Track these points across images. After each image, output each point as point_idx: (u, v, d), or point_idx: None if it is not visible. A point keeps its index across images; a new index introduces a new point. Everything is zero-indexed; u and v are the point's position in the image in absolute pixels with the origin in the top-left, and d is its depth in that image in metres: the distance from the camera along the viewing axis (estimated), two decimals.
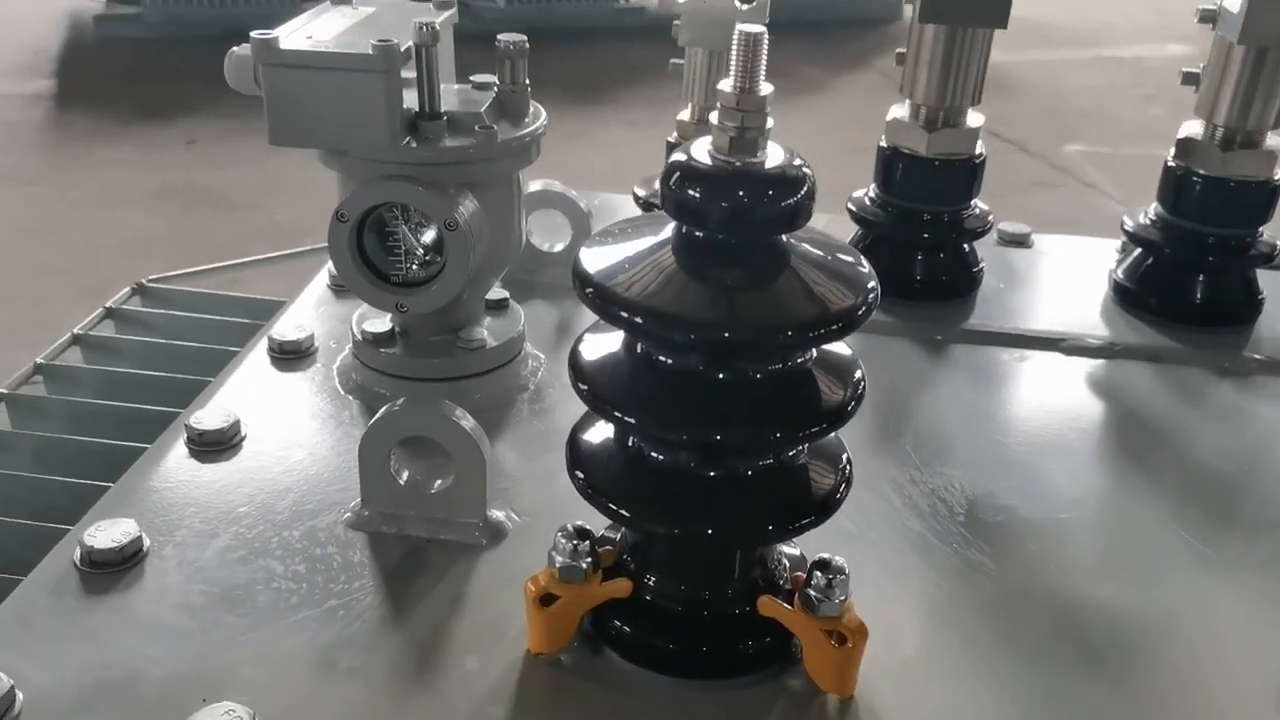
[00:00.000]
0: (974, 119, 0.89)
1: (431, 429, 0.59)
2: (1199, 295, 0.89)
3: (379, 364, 0.73)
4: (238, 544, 0.60)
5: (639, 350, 0.49)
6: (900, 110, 0.90)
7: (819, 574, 0.50)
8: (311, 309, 0.85)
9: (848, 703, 0.52)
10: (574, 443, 0.52)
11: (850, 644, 0.50)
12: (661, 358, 0.48)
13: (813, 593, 0.50)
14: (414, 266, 0.69)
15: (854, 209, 0.93)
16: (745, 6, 0.91)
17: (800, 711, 0.51)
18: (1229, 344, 0.86)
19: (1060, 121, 3.33)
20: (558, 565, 0.51)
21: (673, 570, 0.52)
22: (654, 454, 0.50)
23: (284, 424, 0.71)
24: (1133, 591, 0.60)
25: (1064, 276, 0.98)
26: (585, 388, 0.49)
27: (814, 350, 0.50)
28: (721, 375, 0.47)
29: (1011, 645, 0.56)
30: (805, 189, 0.46)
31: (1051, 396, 0.80)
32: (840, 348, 0.52)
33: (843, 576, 0.50)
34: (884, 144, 0.90)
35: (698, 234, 0.47)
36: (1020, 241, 1.05)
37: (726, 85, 0.46)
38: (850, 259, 0.49)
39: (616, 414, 0.48)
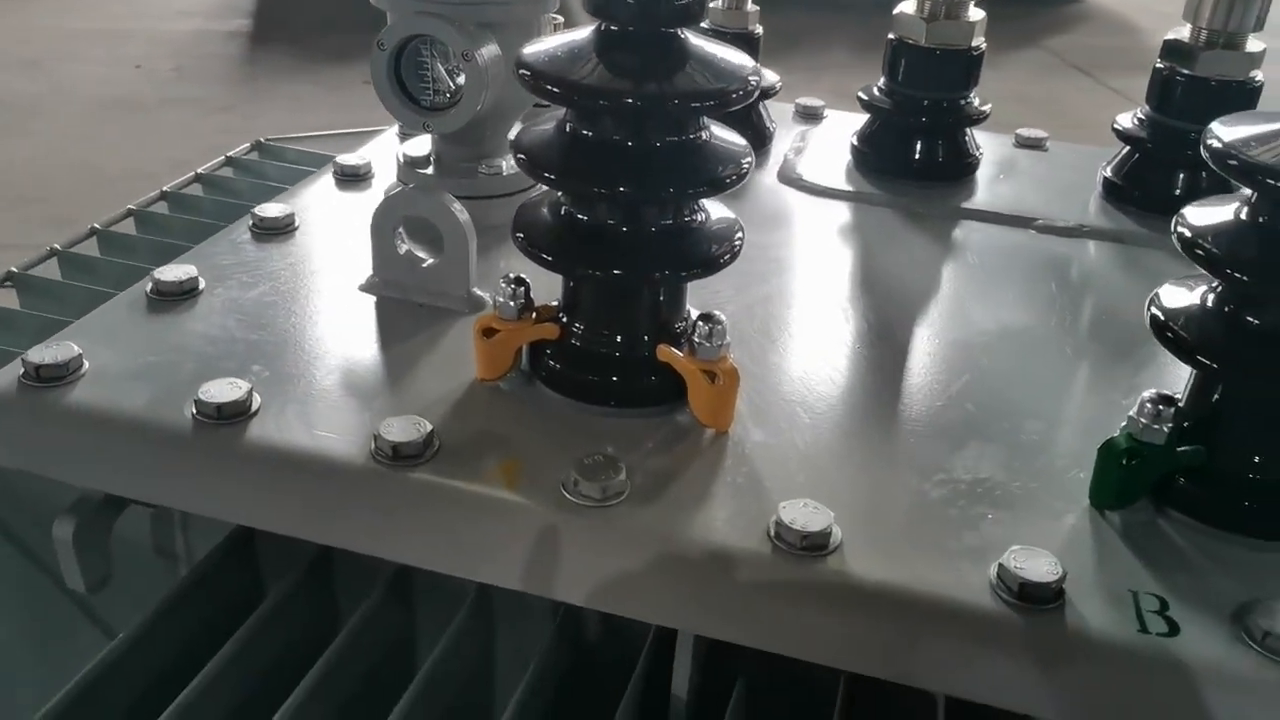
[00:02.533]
0: (974, 14, 0.97)
1: (428, 210, 0.72)
2: (1178, 190, 0.95)
3: (414, 182, 0.87)
4: (272, 293, 0.75)
5: (566, 128, 0.61)
6: (908, 5, 0.98)
7: (702, 324, 0.61)
8: (379, 148, 1.00)
9: (722, 435, 0.63)
10: (518, 215, 0.65)
11: (722, 382, 0.61)
12: (585, 131, 0.60)
13: (696, 339, 0.61)
14: (445, 95, 0.83)
15: (863, 97, 1.02)
16: None
17: (683, 437, 0.63)
18: None
19: None
20: (497, 304, 0.64)
21: (592, 315, 0.65)
22: (579, 215, 0.62)
23: (336, 222, 0.86)
24: (1000, 381, 0.69)
25: (1062, 174, 1.05)
26: (523, 157, 0.61)
27: (709, 132, 0.61)
28: (630, 142, 0.59)
29: (873, 417, 0.66)
30: None
31: (1005, 261, 0.89)
32: (734, 142, 0.62)
33: (720, 327, 0.61)
34: (891, 36, 0.99)
35: (612, 28, 0.59)
36: (1037, 145, 1.12)
37: None
38: (736, 58, 0.60)
39: (546, 174, 0.61)
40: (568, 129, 0.61)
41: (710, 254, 0.63)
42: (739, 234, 0.64)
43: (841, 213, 0.96)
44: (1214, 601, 0.53)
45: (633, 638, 0.63)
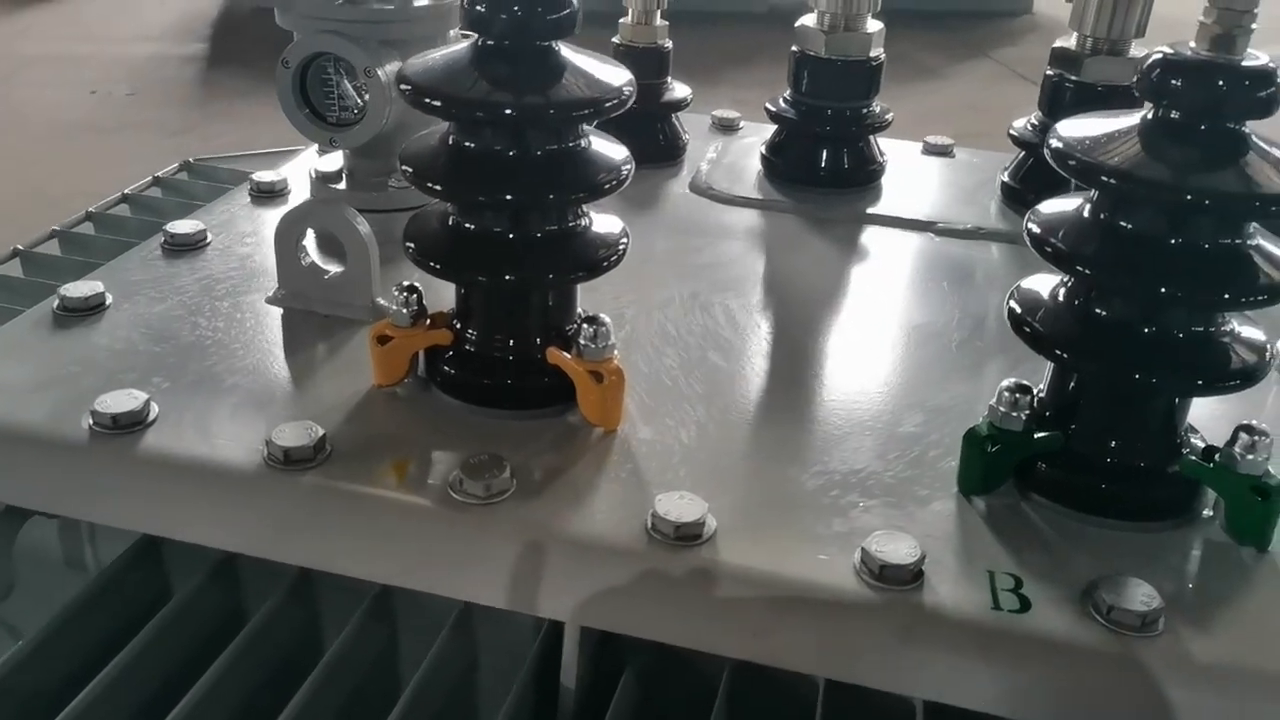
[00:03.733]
0: (872, 25, 1.00)
1: (329, 223, 0.74)
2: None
3: (326, 197, 0.89)
4: (179, 308, 0.76)
5: (449, 139, 0.63)
6: (809, 18, 1.01)
7: (588, 326, 0.64)
8: (299, 165, 1.02)
9: (611, 434, 0.65)
10: (408, 225, 0.67)
11: (607, 382, 0.64)
12: (467, 142, 0.63)
13: (583, 341, 0.64)
14: (352, 111, 0.85)
15: (770, 108, 1.05)
16: None
17: (572, 436, 0.65)
18: None
19: None
20: (390, 311, 0.66)
21: (483, 320, 0.67)
22: (466, 223, 0.65)
23: (248, 237, 0.88)
24: (886, 376, 0.72)
25: (966, 179, 1.09)
26: (409, 169, 0.63)
27: (588, 140, 0.63)
28: (511, 152, 0.62)
29: (758, 412, 0.69)
30: (567, 10, 0.60)
31: (905, 264, 0.92)
32: (614, 150, 0.65)
33: (605, 329, 0.63)
34: (794, 49, 1.02)
35: (488, 42, 0.61)
36: (943, 152, 1.16)
37: None
38: (611, 69, 0.63)
39: (431, 185, 0.63)
40: (451, 140, 0.63)
41: (595, 258, 0.65)
42: (624, 239, 0.67)
43: (749, 220, 0.98)
44: (1066, 579, 0.55)
45: (527, 631, 0.65)
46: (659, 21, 1.06)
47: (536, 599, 0.59)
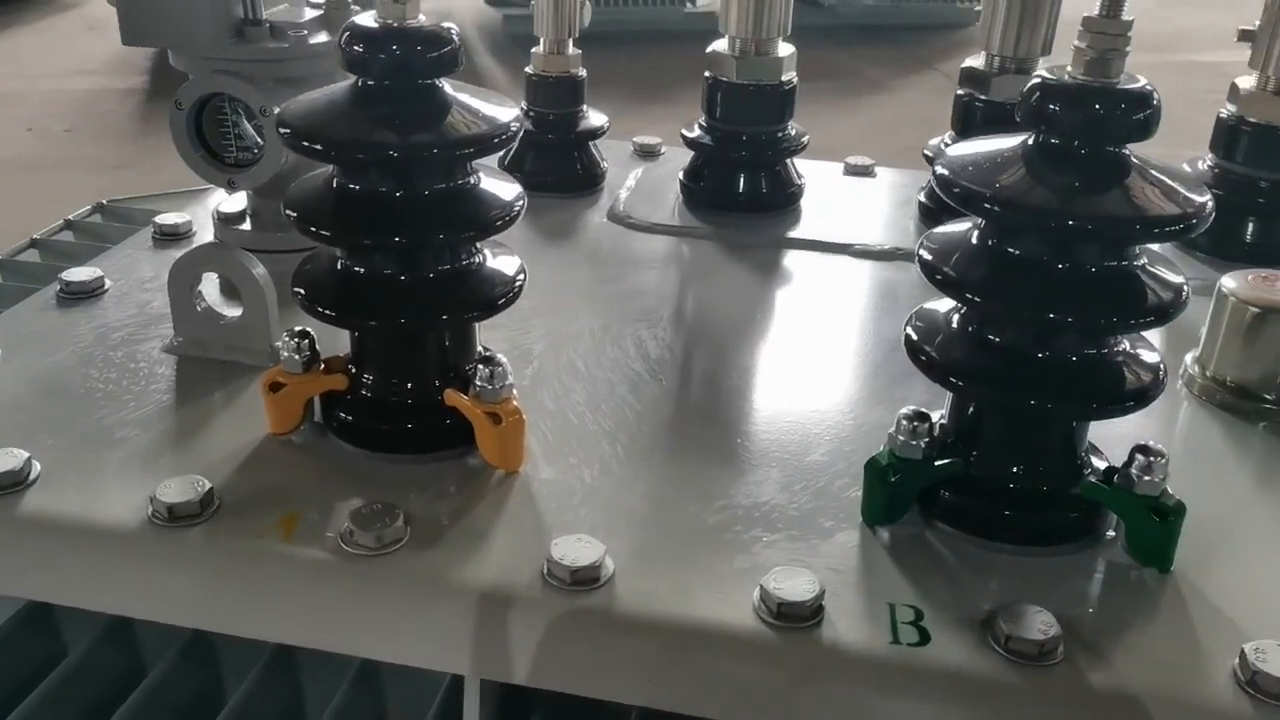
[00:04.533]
0: (784, 49, 1.00)
1: (222, 267, 0.72)
2: None
3: (229, 239, 0.87)
4: (71, 359, 0.74)
5: (334, 183, 0.62)
6: (720, 44, 1.01)
7: (483, 367, 0.62)
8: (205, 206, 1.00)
9: (512, 475, 0.64)
10: (296, 271, 0.65)
11: (506, 424, 0.62)
12: (352, 184, 0.61)
13: (479, 382, 0.62)
14: (251, 151, 0.83)
15: (686, 134, 1.04)
16: None
17: (472, 479, 0.63)
18: None
19: None
20: (282, 358, 0.64)
21: (379, 364, 0.65)
22: (355, 267, 0.63)
23: (148, 283, 0.85)
24: (795, 406, 0.71)
25: (886, 200, 1.09)
26: (293, 214, 0.62)
27: (477, 177, 0.62)
28: (399, 193, 0.60)
29: (663, 448, 0.68)
30: (448, 48, 0.59)
31: (821, 287, 0.91)
32: (506, 187, 0.64)
33: (501, 369, 0.62)
34: (706, 74, 1.02)
35: (369, 82, 0.60)
36: (865, 172, 1.16)
37: None
38: (496, 104, 0.62)
39: (317, 231, 0.61)
40: (335, 183, 0.62)
41: (490, 296, 0.64)
42: (520, 274, 0.66)
43: (667, 248, 0.98)
44: (968, 609, 0.55)
45: (435, 684, 0.63)
46: (571, 50, 1.06)
47: (433, 652, 0.57)
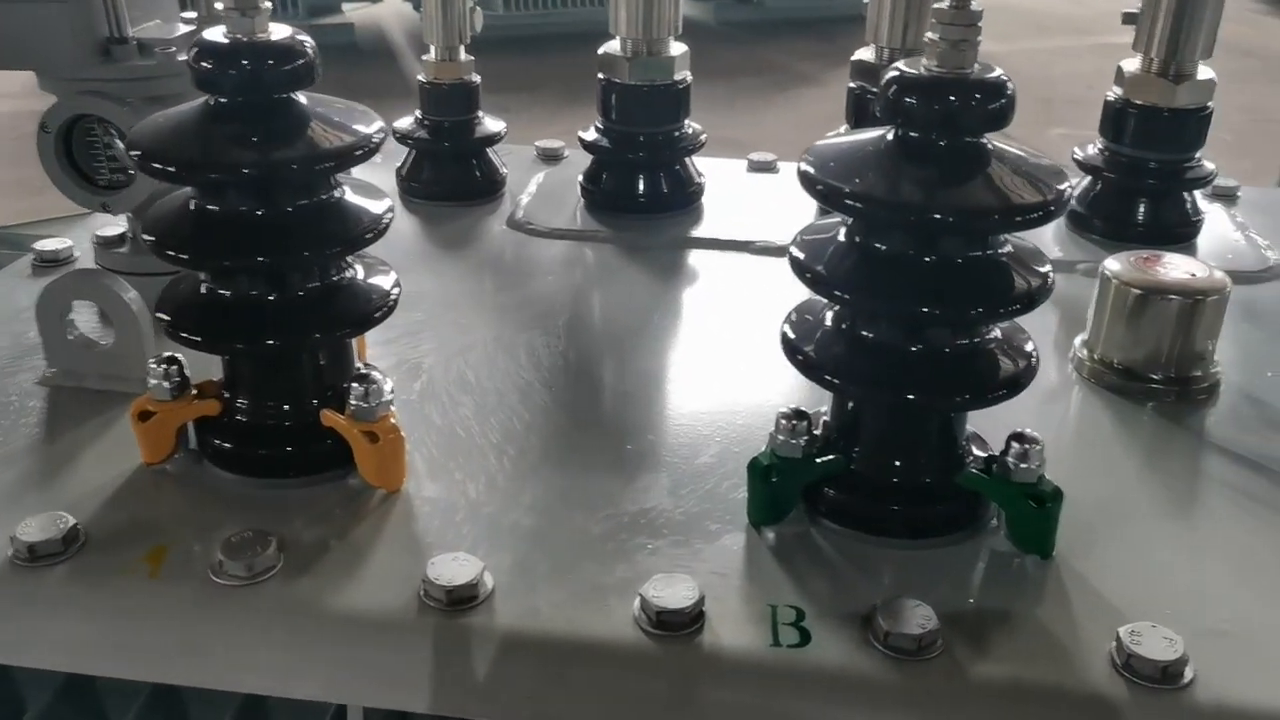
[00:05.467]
0: (676, 48, 0.99)
1: (91, 294, 0.70)
2: None
3: (110, 263, 0.85)
4: None
5: (191, 204, 0.60)
6: (612, 45, 1.00)
7: (358, 385, 0.61)
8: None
9: (394, 495, 0.62)
10: (160, 297, 0.62)
11: (381, 442, 0.61)
12: (211, 205, 0.59)
13: (354, 401, 0.61)
14: (125, 173, 0.80)
15: (584, 137, 1.03)
16: None
17: (351, 501, 0.62)
18: None
19: (1048, 108, 3.41)
20: (150, 385, 0.62)
21: (251, 386, 0.63)
22: (220, 290, 0.61)
23: (24, 312, 0.83)
24: (686, 409, 0.71)
25: (788, 195, 1.09)
26: (151, 239, 0.60)
27: (342, 191, 0.61)
28: (259, 211, 0.59)
29: (552, 458, 0.67)
30: (302, 60, 0.57)
31: (720, 286, 0.91)
32: (371, 199, 0.62)
33: (376, 386, 0.61)
34: (600, 76, 1.01)
35: (223, 101, 0.58)
36: (767, 168, 1.16)
37: None
38: (357, 115, 0.60)
39: (176, 255, 0.59)
40: (193, 205, 0.60)
41: (364, 311, 0.62)
42: (395, 288, 0.64)
43: (567, 253, 0.97)
44: (849, 606, 0.54)
45: (318, 716, 0.62)
46: (463, 57, 1.04)
47: (312, 683, 0.56)
